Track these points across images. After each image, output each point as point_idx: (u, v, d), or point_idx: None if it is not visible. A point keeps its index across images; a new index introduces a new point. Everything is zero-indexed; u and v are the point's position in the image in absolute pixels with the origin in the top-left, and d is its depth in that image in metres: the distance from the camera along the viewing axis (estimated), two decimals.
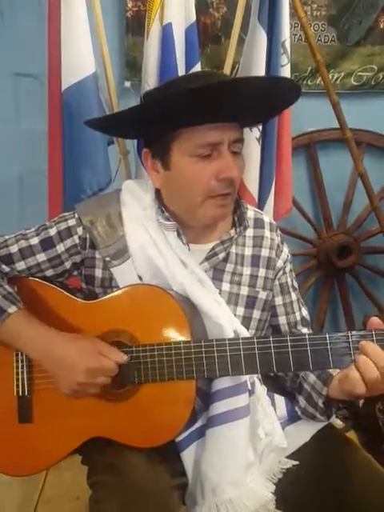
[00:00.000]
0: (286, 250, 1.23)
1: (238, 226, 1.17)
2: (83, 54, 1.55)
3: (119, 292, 1.09)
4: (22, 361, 1.11)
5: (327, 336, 0.95)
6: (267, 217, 1.25)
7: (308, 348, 0.96)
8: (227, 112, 1.00)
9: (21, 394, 1.10)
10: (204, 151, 1.02)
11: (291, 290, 1.22)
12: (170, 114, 0.99)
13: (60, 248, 1.14)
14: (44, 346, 1.04)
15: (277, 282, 1.20)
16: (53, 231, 1.15)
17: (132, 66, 1.99)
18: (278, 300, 1.20)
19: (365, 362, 0.91)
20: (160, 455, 1.02)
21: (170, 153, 1.05)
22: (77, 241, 1.14)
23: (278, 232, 1.24)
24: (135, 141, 1.70)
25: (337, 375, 1.03)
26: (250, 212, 1.22)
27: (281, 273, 1.21)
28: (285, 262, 1.21)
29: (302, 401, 1.12)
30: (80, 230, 1.14)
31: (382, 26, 2.09)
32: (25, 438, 1.10)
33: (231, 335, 1.04)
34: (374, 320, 0.95)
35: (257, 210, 1.26)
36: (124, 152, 1.77)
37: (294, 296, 1.22)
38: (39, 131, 1.74)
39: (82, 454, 1.13)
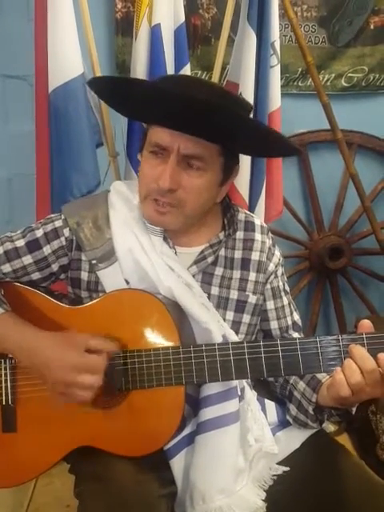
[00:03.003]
0: (277, 253, 1.22)
1: (227, 228, 1.16)
2: (70, 55, 1.52)
3: (106, 297, 1.07)
4: (5, 369, 1.08)
5: (318, 340, 0.94)
6: (258, 219, 1.24)
7: (298, 352, 0.95)
8: (179, 122, 0.99)
9: (4, 402, 1.08)
10: (153, 149, 1.04)
11: (283, 294, 1.21)
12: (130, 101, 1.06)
13: (47, 250, 1.12)
14: (31, 347, 1.01)
15: (268, 286, 1.19)
16: (39, 233, 1.13)
17: (122, 67, 1.98)
18: (270, 304, 1.19)
19: (349, 365, 0.90)
20: (148, 464, 1.00)
21: (143, 144, 1.09)
22: (64, 242, 1.13)
23: (270, 235, 1.23)
24: (125, 143, 1.69)
25: (326, 382, 1.02)
26: (241, 215, 1.20)
27: (272, 276, 1.19)
28: (276, 266, 1.20)
29: (293, 409, 1.11)
30: (66, 232, 1.13)
31: (372, 27, 2.09)
32: (9, 448, 1.07)
33: (220, 340, 1.03)
34: (365, 323, 0.94)
35: (248, 212, 1.25)
36: (113, 154, 1.75)
37: (285, 300, 1.21)
38: (28, 133, 1.72)
39: (70, 463, 1.11)
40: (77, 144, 1.57)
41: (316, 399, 1.03)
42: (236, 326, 1.13)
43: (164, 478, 1.02)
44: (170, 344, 1.01)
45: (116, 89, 1.07)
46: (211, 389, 1.02)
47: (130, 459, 1.00)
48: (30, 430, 1.06)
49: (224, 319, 1.12)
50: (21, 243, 1.13)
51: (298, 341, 0.95)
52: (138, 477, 0.97)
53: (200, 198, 1.06)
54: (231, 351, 0.98)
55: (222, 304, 1.13)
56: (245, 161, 1.67)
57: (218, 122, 0.96)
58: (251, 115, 1.15)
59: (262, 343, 0.97)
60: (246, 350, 0.97)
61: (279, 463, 1.08)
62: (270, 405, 1.15)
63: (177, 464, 1.03)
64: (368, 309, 2.31)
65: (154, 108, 1.02)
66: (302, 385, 1.08)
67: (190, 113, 0.94)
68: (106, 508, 0.93)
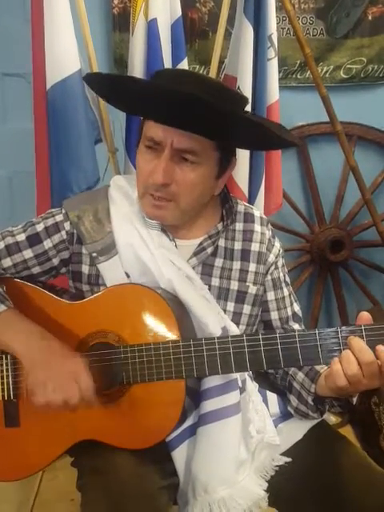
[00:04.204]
0: (277, 244, 1.22)
1: (225, 219, 1.16)
2: (67, 51, 1.52)
3: (105, 291, 1.08)
4: (6, 364, 1.09)
5: (317, 332, 0.94)
6: (258, 211, 1.24)
7: (297, 345, 0.95)
8: (168, 117, 0.99)
9: (6, 397, 1.09)
10: (148, 144, 1.04)
11: (283, 285, 1.22)
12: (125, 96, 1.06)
13: (47, 244, 1.13)
14: (33, 345, 1.02)
15: (269, 277, 1.19)
16: (40, 227, 1.14)
17: (120, 62, 1.98)
18: (270, 295, 1.19)
19: (347, 357, 0.90)
20: (149, 456, 1.00)
21: (140, 138, 1.09)
22: (64, 236, 1.13)
23: (269, 226, 1.23)
24: (124, 139, 1.69)
25: (324, 372, 1.02)
26: (240, 206, 1.21)
27: (273, 267, 1.20)
28: (276, 257, 1.21)
29: (294, 400, 1.11)
30: (67, 226, 1.13)
31: (370, 18, 2.07)
32: (11, 443, 1.08)
33: (219, 332, 1.03)
34: (364, 315, 0.94)
35: (247, 204, 1.25)
36: (112, 150, 1.75)
37: (285, 291, 1.22)
38: (27, 131, 1.72)
39: (72, 457, 1.12)
40: (75, 141, 1.57)
41: (315, 389, 1.03)
42: (237, 316, 1.14)
43: (165, 470, 1.02)
44: (170, 338, 1.01)
45: (109, 85, 1.08)
46: (212, 381, 1.03)
47: (130, 451, 1.00)
48: (33, 424, 1.07)
49: (225, 310, 1.12)
50: (22, 237, 1.13)
51: (297, 333, 0.95)
52: (138, 469, 0.98)
53: (194, 192, 1.06)
54: (231, 344, 0.98)
55: (222, 295, 1.14)
56: (244, 154, 1.67)
57: (207, 118, 0.96)
58: (249, 108, 1.14)
59: (261, 336, 0.97)
60: (245, 343, 0.97)
61: (281, 454, 1.08)
62: (272, 396, 1.16)
63: (179, 456, 1.04)
64: (370, 301, 2.31)
65: (145, 103, 1.02)
66: (300, 376, 1.08)
67: (177, 107, 0.94)
68: (107, 500, 0.94)
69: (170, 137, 1.00)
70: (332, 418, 1.39)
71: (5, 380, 1.09)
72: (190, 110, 0.94)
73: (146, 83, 1.08)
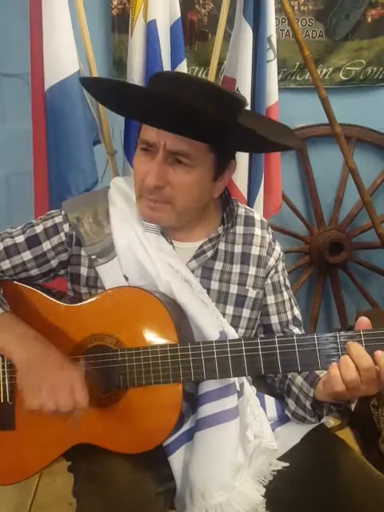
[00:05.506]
0: (278, 248, 1.22)
1: (226, 222, 1.16)
2: (66, 53, 1.52)
3: (103, 294, 1.07)
4: (2, 367, 1.09)
5: (315, 337, 0.94)
6: (258, 214, 1.24)
7: (296, 349, 0.94)
8: (162, 123, 0.98)
9: (2, 400, 1.08)
10: (143, 146, 1.04)
11: (283, 288, 1.21)
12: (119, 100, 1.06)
13: (46, 246, 1.13)
14: (25, 347, 1.01)
15: (269, 281, 1.19)
16: (39, 228, 1.13)
17: (119, 64, 1.98)
18: (270, 299, 1.19)
19: (345, 362, 0.90)
20: (145, 461, 0.99)
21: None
22: (63, 238, 1.13)
23: (270, 230, 1.23)
24: (122, 141, 1.69)
25: (323, 377, 1.01)
26: (241, 209, 1.20)
27: (273, 271, 1.19)
28: (277, 261, 1.20)
29: (291, 404, 1.10)
30: (66, 227, 1.13)
31: (369, 20, 2.08)
32: (6, 446, 1.07)
33: (216, 336, 1.03)
34: (363, 320, 0.94)
35: (248, 207, 1.25)
36: (111, 152, 1.75)
37: (285, 295, 1.21)
38: (25, 132, 1.71)
39: (69, 461, 1.11)
40: (74, 142, 1.57)
41: (313, 394, 1.03)
42: (236, 320, 1.14)
43: (161, 475, 1.02)
44: (167, 341, 1.01)
45: (105, 91, 1.08)
46: (210, 385, 1.02)
47: (126, 457, 0.99)
48: (28, 427, 1.06)
49: (224, 314, 1.12)
50: (20, 239, 1.13)
51: (295, 338, 0.95)
52: (134, 475, 0.97)
53: (189, 195, 1.05)
54: (229, 349, 0.97)
55: (221, 298, 1.13)
56: (243, 156, 1.66)
57: (203, 125, 0.96)
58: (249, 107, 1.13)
59: (259, 340, 0.96)
60: (243, 348, 0.96)
61: (279, 459, 1.08)
62: (270, 400, 1.15)
63: (176, 461, 1.03)
64: (369, 302, 2.31)
65: (140, 108, 1.02)
66: (299, 379, 1.08)
67: (172, 114, 0.94)
68: (102, 508, 0.93)
69: (163, 139, 1.00)
70: (331, 421, 1.38)
71: (1, 383, 1.08)
72: (186, 117, 0.94)
73: (141, 89, 1.08)
